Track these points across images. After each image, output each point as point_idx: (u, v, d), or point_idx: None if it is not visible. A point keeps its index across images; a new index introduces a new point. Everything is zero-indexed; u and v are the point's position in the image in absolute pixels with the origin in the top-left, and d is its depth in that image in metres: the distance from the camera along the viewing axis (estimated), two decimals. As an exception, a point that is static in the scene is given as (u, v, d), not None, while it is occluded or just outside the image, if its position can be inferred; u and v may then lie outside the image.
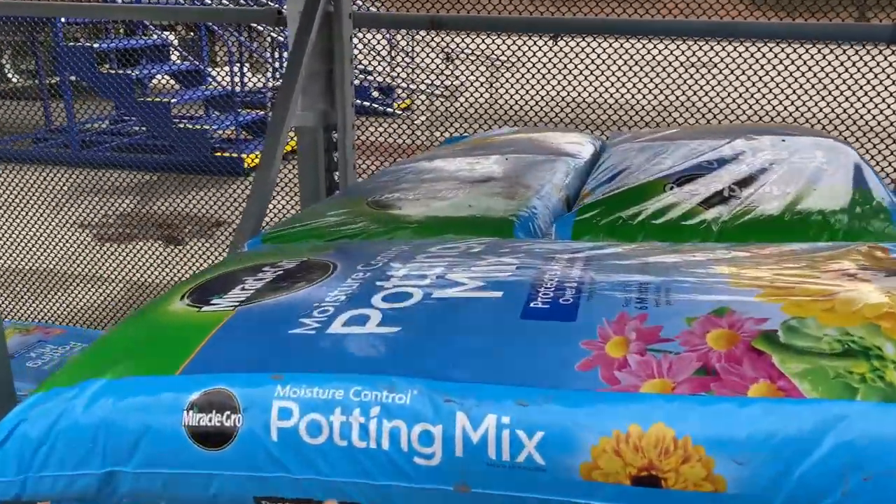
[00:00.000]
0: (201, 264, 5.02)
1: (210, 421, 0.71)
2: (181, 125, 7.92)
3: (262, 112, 8.77)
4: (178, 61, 8.68)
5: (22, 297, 4.50)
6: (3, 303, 4.52)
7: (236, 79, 8.22)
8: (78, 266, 4.64)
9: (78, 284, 4.64)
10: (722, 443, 0.60)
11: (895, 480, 0.57)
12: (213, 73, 8.78)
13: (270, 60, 9.75)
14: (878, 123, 2.59)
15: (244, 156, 7.68)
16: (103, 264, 4.68)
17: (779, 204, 1.19)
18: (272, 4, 8.83)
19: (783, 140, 1.51)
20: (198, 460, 0.72)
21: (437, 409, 0.66)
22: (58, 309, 4.38)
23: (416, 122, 8.51)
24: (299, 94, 2.01)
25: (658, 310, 0.74)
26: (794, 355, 0.65)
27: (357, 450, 0.68)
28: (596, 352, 0.69)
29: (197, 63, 8.28)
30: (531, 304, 0.78)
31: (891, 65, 2.44)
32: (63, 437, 0.76)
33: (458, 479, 0.66)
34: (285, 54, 10.23)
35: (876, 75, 2.45)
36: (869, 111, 2.54)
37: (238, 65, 8.39)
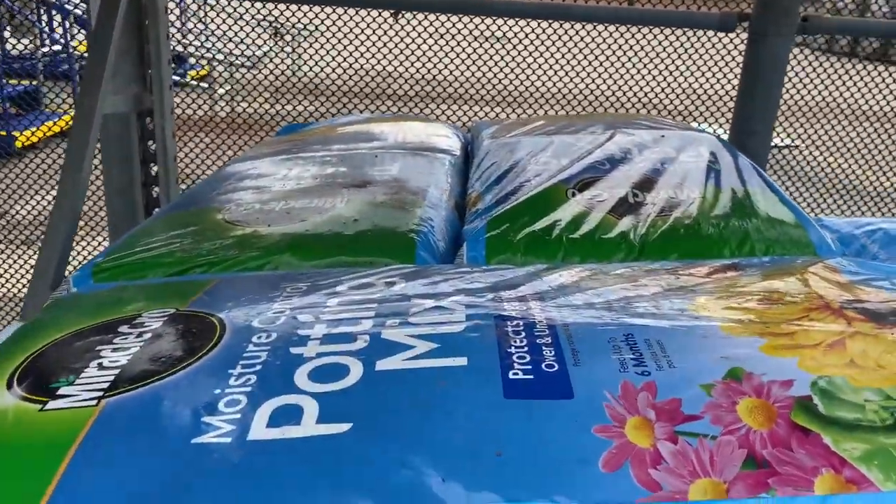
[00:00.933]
0: (-26, 266, 4.28)
1: None
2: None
3: (34, 83, 7.69)
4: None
5: None
6: None
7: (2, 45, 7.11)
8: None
9: None
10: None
11: None
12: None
13: (38, 21, 8.58)
14: (714, 103, 2.72)
15: (16, 133, 6.70)
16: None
17: (691, 212, 1.13)
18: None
19: (662, 136, 1.47)
20: None
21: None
22: None
23: (217, 93, 7.92)
24: (110, 76, 1.67)
25: (663, 374, 0.62)
26: (846, 432, 0.55)
27: None
28: (617, 441, 0.55)
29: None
30: (510, 376, 0.62)
31: (718, 51, 2.55)
32: None
33: None
34: (57, 17, 9.07)
35: (705, 61, 2.56)
36: (705, 91, 2.64)
37: (-1, 27, 7.26)
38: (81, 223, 1.73)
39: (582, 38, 2.57)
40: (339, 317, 0.75)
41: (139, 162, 2.03)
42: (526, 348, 0.66)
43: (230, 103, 7.48)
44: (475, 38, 2.66)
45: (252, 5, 3.45)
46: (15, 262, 4.41)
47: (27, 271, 4.43)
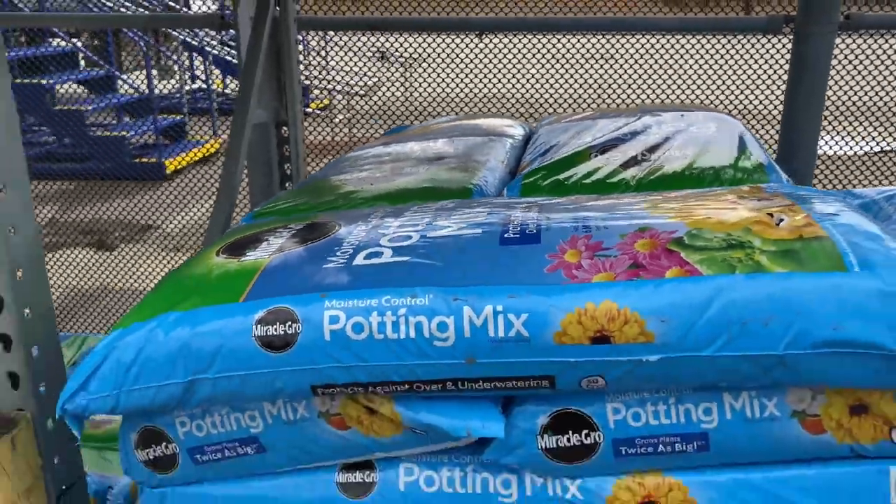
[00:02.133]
0: (136, 268, 5.07)
1: (275, 331, 0.94)
2: (98, 133, 7.83)
3: (180, 117, 8.75)
4: (88, 68, 8.54)
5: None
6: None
7: (153, 83, 8.17)
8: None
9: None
10: (651, 309, 0.88)
11: (760, 322, 0.86)
12: (122, 79, 8.68)
13: (181, 64, 9.68)
14: (762, 104, 2.99)
15: (165, 160, 7.67)
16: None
17: (680, 163, 1.50)
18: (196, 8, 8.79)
19: (682, 115, 1.82)
20: (266, 362, 0.94)
21: (448, 306, 0.92)
22: (-2, 317, 4.37)
23: (335, 121, 8.65)
24: (257, 94, 2.21)
25: (599, 232, 1.01)
26: (695, 251, 0.93)
27: (391, 340, 0.92)
28: (558, 260, 0.96)
29: (110, 69, 8.18)
30: (505, 236, 1.04)
31: (767, 52, 2.83)
32: (150, 358, 0.97)
33: (466, 354, 0.91)
34: (197, 57, 10.18)
35: (755, 61, 2.84)
36: (752, 92, 2.92)
37: (148, 70, 8.33)
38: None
39: (646, 51, 2.93)
40: (407, 219, 1.18)
41: (277, 162, 2.57)
42: (519, 226, 1.08)
43: (348, 128, 8.18)
44: (583, 57, 3.06)
45: (368, 38, 4.00)
46: (168, 264, 5.16)
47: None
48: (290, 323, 0.94)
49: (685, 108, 2.02)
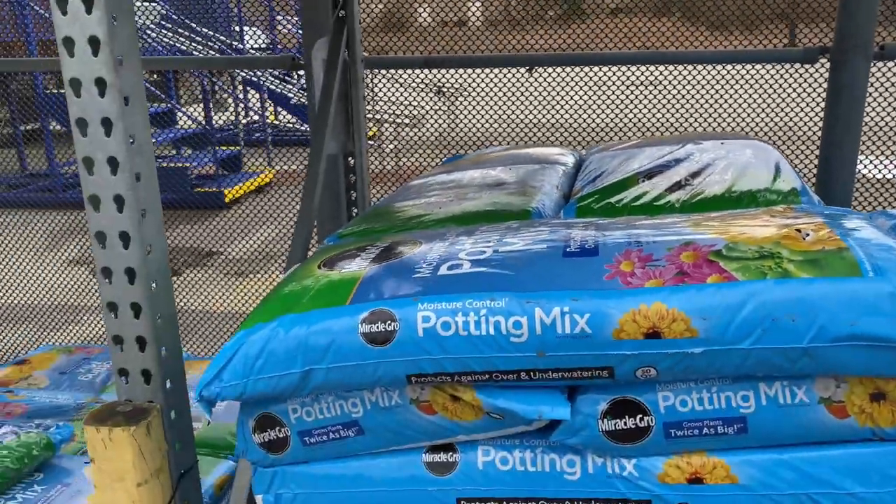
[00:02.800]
0: (202, 291, 5.35)
1: (378, 328, 1.13)
2: (161, 164, 8.26)
3: (237, 148, 9.17)
4: (151, 104, 9.03)
5: (43, 331, 4.78)
6: (28, 335, 4.78)
7: (211, 117, 8.59)
8: (85, 299, 4.93)
9: (90, 315, 4.94)
10: (694, 309, 1.04)
11: (788, 320, 1.02)
12: (181, 114, 9.13)
13: (237, 98, 10.13)
14: (800, 129, 3.12)
15: (224, 190, 8.04)
16: (107, 296, 4.98)
17: (720, 187, 1.66)
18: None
19: (722, 143, 1.99)
20: (369, 355, 1.13)
21: (522, 308, 1.10)
22: (79, 338, 4.68)
23: (385, 150, 8.95)
24: (331, 129, 2.44)
25: (649, 246, 1.19)
26: (732, 261, 1.10)
27: (473, 336, 1.10)
28: (614, 269, 1.13)
29: (172, 104, 8.63)
30: (567, 250, 1.22)
31: (805, 80, 2.97)
32: (273, 352, 1.17)
33: (538, 348, 1.09)
34: (251, 91, 10.62)
35: (792, 89, 2.98)
36: (791, 119, 3.06)
37: (206, 104, 8.77)
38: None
39: (685, 77, 3.09)
40: (479, 237, 1.37)
41: (344, 189, 2.80)
42: (578, 241, 1.25)
43: (397, 155, 8.45)
44: (626, 85, 3.23)
45: (413, 72, 4.22)
46: (232, 288, 5.44)
47: (242, 296, 5.44)
48: (389, 322, 1.13)
49: (725, 136, 2.18)
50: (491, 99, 3.40)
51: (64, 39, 1.20)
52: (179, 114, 9.05)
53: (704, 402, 1.10)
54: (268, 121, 10.01)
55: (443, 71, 3.17)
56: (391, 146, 9.03)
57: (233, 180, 8.37)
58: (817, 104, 3.03)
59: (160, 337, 1.39)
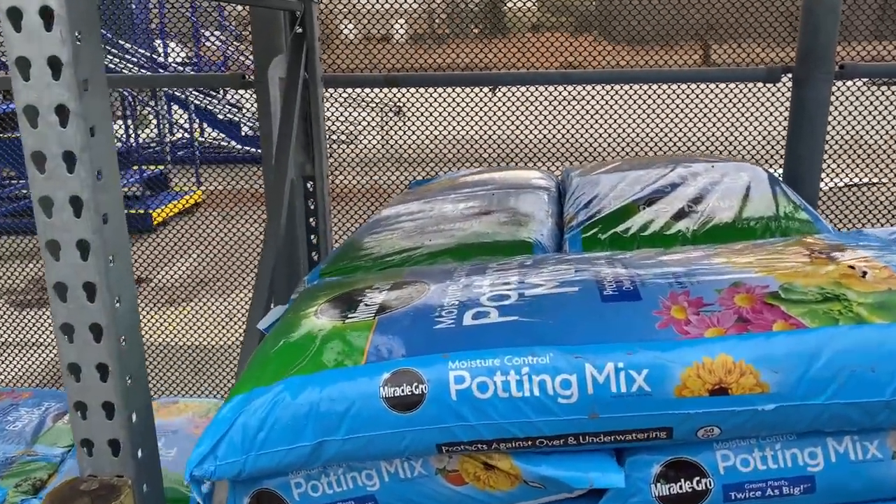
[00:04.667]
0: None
1: (403, 392, 0.98)
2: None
3: (163, 168, 8.75)
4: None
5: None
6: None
7: (133, 134, 8.18)
8: (2, 334, 4.55)
9: (9, 352, 4.54)
10: (764, 360, 0.94)
11: (867, 370, 0.93)
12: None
13: (161, 114, 9.72)
14: (761, 146, 3.13)
15: (151, 211, 7.64)
16: (29, 330, 4.62)
17: (728, 215, 1.58)
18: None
19: (713, 166, 1.92)
20: (395, 422, 0.98)
21: (570, 364, 0.97)
22: (2, 379, 4.29)
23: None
24: (292, 151, 2.26)
25: (694, 287, 1.08)
26: (794, 304, 1.00)
27: (515, 398, 0.97)
28: (665, 317, 1.02)
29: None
30: (604, 293, 1.10)
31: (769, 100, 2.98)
32: (278, 421, 1.00)
33: (590, 409, 0.96)
34: (177, 109, 10.22)
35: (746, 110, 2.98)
36: (754, 137, 3.06)
37: (125, 122, 8.35)
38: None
39: (649, 96, 3.06)
40: (497, 277, 1.24)
41: (303, 214, 2.62)
42: (613, 283, 1.14)
43: (332, 173, 8.21)
44: (557, 101, 3.18)
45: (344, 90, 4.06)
46: (164, 317, 5.14)
47: (175, 326, 5.16)
48: (416, 384, 0.98)
49: (711, 159, 2.12)
50: (431, 115, 3.29)
51: (17, 60, 1.01)
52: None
53: (768, 460, 1.00)
54: (195, 138, 9.64)
55: (402, 90, 3.04)
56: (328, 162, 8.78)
57: (160, 201, 7.98)
58: (774, 118, 3.04)
59: (130, 401, 1.20)
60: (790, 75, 2.74)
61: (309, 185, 2.61)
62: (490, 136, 3.31)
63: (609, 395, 0.96)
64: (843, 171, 3.52)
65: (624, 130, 3.53)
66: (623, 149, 3.25)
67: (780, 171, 2.86)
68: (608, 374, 0.96)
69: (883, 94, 3.16)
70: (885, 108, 3.08)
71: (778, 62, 2.98)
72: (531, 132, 3.29)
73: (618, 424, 0.97)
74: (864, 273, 1.06)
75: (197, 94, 9.76)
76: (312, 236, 2.67)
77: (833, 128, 2.94)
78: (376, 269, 1.55)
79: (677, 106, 3.20)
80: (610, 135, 3.36)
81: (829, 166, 3.25)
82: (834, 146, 2.93)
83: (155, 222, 7.54)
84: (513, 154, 3.35)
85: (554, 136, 3.31)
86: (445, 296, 1.18)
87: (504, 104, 3.35)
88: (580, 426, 0.97)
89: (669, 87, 3.10)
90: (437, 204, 1.97)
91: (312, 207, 2.63)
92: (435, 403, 0.98)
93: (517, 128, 3.18)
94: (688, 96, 3.03)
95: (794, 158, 2.76)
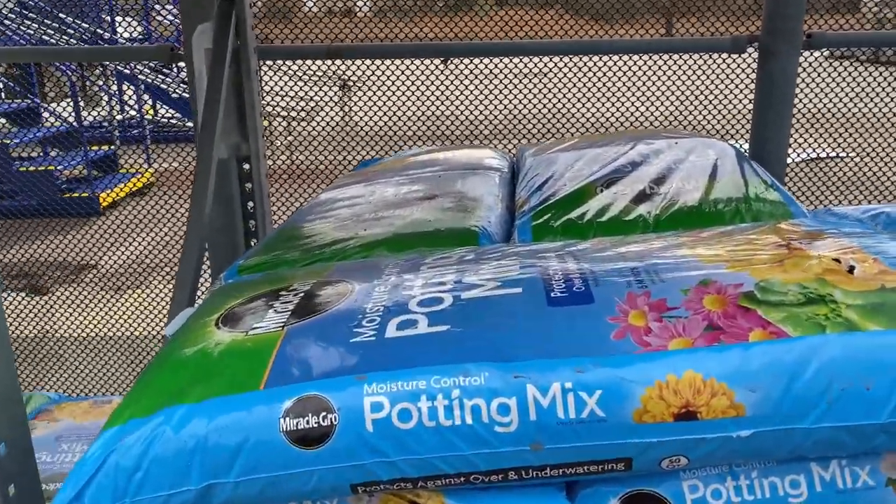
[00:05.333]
0: (73, 312, 4.78)
1: (308, 423, 0.81)
2: (23, 168, 7.41)
3: (111, 148, 8.38)
4: (9, 100, 8.09)
5: None
6: None
7: (80, 114, 7.81)
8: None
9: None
10: (739, 378, 0.79)
11: (861, 387, 0.78)
12: (48, 110, 8.28)
13: (110, 92, 9.32)
14: (726, 120, 2.99)
15: (98, 194, 7.32)
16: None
17: (693, 197, 1.43)
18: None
19: (676, 143, 1.77)
20: (298, 460, 0.81)
21: (509, 385, 0.80)
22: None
23: (275, 144, 8.44)
24: (220, 129, 2.06)
25: (656, 286, 0.92)
26: (773, 307, 0.85)
27: (444, 428, 0.80)
28: (622, 324, 0.86)
29: (34, 100, 7.77)
30: (552, 295, 0.94)
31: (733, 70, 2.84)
32: (158, 460, 0.82)
33: (532, 439, 0.80)
34: (127, 88, 9.82)
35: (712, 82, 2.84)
36: (720, 112, 2.92)
37: (74, 100, 7.96)
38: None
39: (610, 69, 2.90)
40: (431, 275, 1.07)
41: (240, 200, 2.41)
42: (562, 281, 0.97)
43: (288, 150, 7.97)
44: (514, 76, 3.01)
45: (304, 62, 3.85)
46: (109, 307, 4.89)
47: (121, 315, 4.92)
48: (324, 413, 0.81)
49: (673, 134, 1.97)
50: (389, 90, 3.08)
51: None
52: (45, 111, 8.17)
53: (743, 491, 0.85)
54: (145, 116, 9.26)
55: (346, 62, 2.83)
56: (283, 141, 8.54)
57: (108, 183, 7.64)
58: (745, 96, 2.90)
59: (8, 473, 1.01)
60: (756, 45, 2.60)
61: (245, 167, 2.40)
62: (444, 113, 3.12)
63: (555, 421, 0.79)
64: (802, 145, 3.42)
65: (584, 105, 3.37)
66: (583, 124, 3.09)
67: (745, 146, 2.73)
68: (554, 397, 0.80)
69: (841, 64, 3.05)
70: (844, 80, 2.95)
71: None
72: (488, 108, 3.11)
73: (566, 456, 0.81)
74: (852, 267, 0.91)
75: (147, 71, 9.36)
76: (251, 222, 2.47)
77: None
78: (303, 264, 1.37)
79: (639, 79, 3.05)
80: (569, 109, 3.20)
81: (791, 140, 3.15)
82: (794, 120, 2.81)
83: (103, 205, 7.22)
84: (469, 132, 3.17)
85: (511, 112, 3.14)
86: (370, 299, 1.00)
87: (459, 79, 3.17)
88: (522, 459, 0.81)
89: (631, 58, 2.94)
90: (378, 188, 1.79)
91: (249, 190, 2.42)
92: (347, 436, 0.81)
93: (471, 103, 3.00)
94: (650, 68, 2.88)
95: (760, 132, 2.62)
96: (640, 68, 3.10)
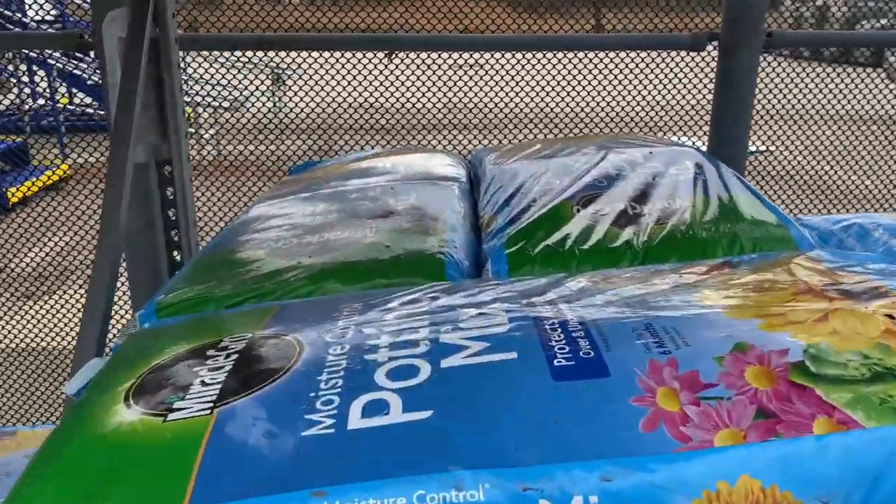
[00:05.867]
0: (-19, 323, 4.36)
1: (248, 561, 0.60)
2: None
3: (21, 139, 7.79)
4: None
5: None
6: None
7: (-15, 102, 7.22)
8: None
9: None
10: (805, 484, 0.62)
11: (956, 493, 0.62)
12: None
13: (20, 79, 8.69)
14: (689, 117, 2.88)
15: (6, 189, 6.79)
16: None
17: (683, 219, 1.27)
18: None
19: (650, 153, 1.61)
20: None
21: (517, 501, 0.62)
22: None
23: (204, 137, 8.02)
24: (136, 130, 1.79)
25: (681, 352, 0.75)
26: (833, 385, 0.68)
27: (432, 561, 0.61)
28: (651, 409, 0.68)
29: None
30: (555, 363, 0.75)
31: (692, 68, 2.72)
32: None
33: (547, 570, 0.62)
34: (38, 72, 9.18)
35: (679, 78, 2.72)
36: (683, 107, 2.80)
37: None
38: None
39: (564, 65, 2.74)
40: (399, 328, 0.87)
41: (160, 208, 2.15)
42: (564, 341, 0.79)
43: (216, 146, 7.59)
44: (458, 68, 2.82)
45: (232, 53, 3.57)
46: (20, 315, 4.50)
47: (31, 325, 4.53)
48: (271, 547, 0.60)
49: (643, 141, 1.81)
50: (322, 79, 2.85)
51: None
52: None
53: None
54: (59, 105, 8.67)
55: (280, 54, 2.59)
56: (210, 133, 8.12)
57: (18, 178, 7.10)
58: (703, 95, 2.79)
59: None
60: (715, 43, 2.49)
61: (166, 170, 2.14)
62: (383, 104, 2.91)
63: (577, 547, 0.61)
64: None
65: (532, 100, 3.21)
66: (531, 119, 2.93)
67: (702, 147, 2.62)
68: (575, 515, 0.61)
69: (764, 59, 2.98)
70: (767, 75, 2.88)
71: (673, 30, 2.74)
72: (431, 100, 2.91)
73: (589, 589, 0.62)
74: (913, 327, 0.76)
75: (59, 56, 8.74)
76: (174, 232, 2.21)
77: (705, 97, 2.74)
78: (236, 302, 1.15)
79: (585, 77, 2.91)
80: (518, 104, 3.03)
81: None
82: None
83: (11, 202, 6.70)
84: (406, 122, 2.95)
85: (455, 106, 2.94)
86: (323, 366, 0.80)
87: (399, 69, 2.95)
88: None
89: (578, 56, 2.79)
90: (320, 202, 1.57)
91: (171, 197, 2.16)
92: (302, 576, 0.60)
93: (413, 94, 2.79)
94: (586, 65, 2.73)
95: (720, 133, 2.52)
96: (580, 62, 2.96)
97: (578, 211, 1.33)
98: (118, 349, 1.01)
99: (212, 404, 0.75)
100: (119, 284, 1.71)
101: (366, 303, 0.98)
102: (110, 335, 1.53)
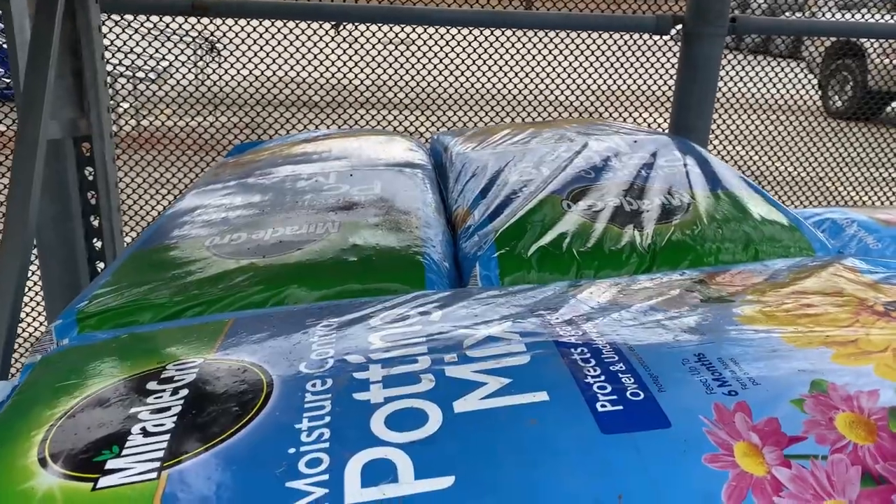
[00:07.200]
0: None
1: None
2: None
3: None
4: None
5: None
6: None
7: None
8: None
9: None
10: (938, 575, 0.49)
11: None
12: None
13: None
14: (651, 97, 2.78)
15: None
16: None
17: (688, 218, 1.14)
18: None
19: (635, 141, 1.48)
20: None
21: None
22: None
23: (120, 109, 7.55)
24: (48, 99, 1.55)
25: (749, 392, 0.61)
26: (947, 439, 0.56)
27: None
28: (732, 471, 0.54)
29: None
30: (599, 408, 0.60)
31: (654, 52, 2.61)
32: None
33: None
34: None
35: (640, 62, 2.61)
36: (638, 88, 2.70)
37: None
38: None
39: (523, 44, 2.59)
40: (390, 355, 0.71)
41: (77, 190, 1.90)
42: (602, 377, 0.64)
43: (135, 117, 7.16)
44: (388, 42, 2.63)
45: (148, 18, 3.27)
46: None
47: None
48: None
49: (620, 127, 1.69)
50: (250, 49, 2.61)
51: None
52: None
53: None
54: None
55: (215, 21, 2.35)
56: (128, 104, 7.66)
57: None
58: (664, 80, 2.70)
59: None
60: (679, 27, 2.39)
61: (84, 148, 1.89)
62: (313, 76, 2.68)
63: None
64: (653, 125, 3.32)
65: (489, 80, 3.06)
66: (484, 97, 2.78)
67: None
68: None
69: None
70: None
71: (613, 8, 2.64)
72: (358, 75, 2.70)
73: None
74: None
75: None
76: (93, 217, 1.96)
77: (666, 83, 2.66)
78: (175, 311, 0.95)
79: (544, 58, 2.77)
80: (473, 84, 2.87)
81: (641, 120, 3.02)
82: (666, 103, 2.62)
83: None
84: (338, 95, 2.74)
85: (385, 83, 2.74)
86: (301, 406, 0.63)
87: (336, 41, 2.74)
88: None
89: (536, 35, 2.64)
90: (268, 190, 1.38)
91: (91, 178, 1.91)
92: None
93: (339, 70, 2.58)
94: (556, 47, 2.60)
95: (682, 119, 2.43)
96: (545, 45, 2.82)
97: (569, 206, 1.18)
98: (27, 378, 0.80)
99: (159, 463, 0.57)
100: (27, 280, 1.48)
101: (341, 317, 0.81)
102: (16, 354, 1.30)
